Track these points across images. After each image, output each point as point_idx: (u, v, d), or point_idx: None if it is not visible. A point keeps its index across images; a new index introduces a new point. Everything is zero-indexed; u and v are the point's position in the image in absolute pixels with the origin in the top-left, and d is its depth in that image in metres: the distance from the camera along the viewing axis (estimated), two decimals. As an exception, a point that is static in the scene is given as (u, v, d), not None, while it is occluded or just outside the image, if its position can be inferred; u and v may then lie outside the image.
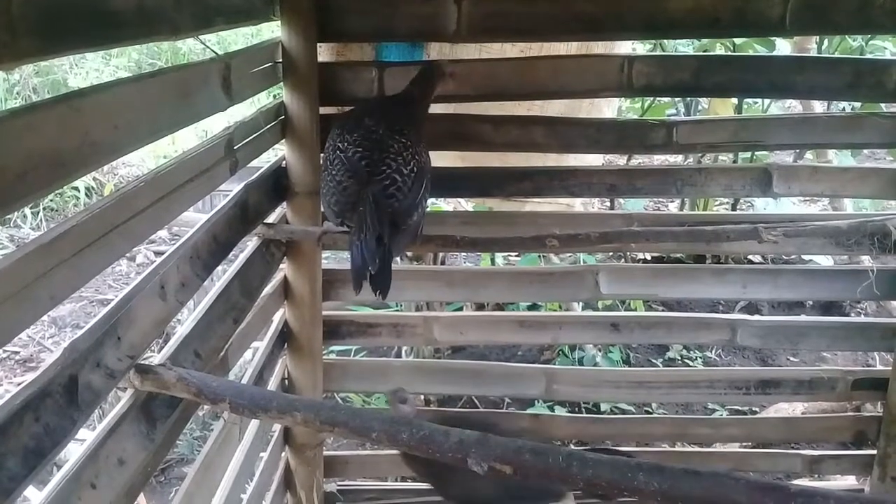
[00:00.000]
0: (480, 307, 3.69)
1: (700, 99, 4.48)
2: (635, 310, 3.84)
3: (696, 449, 2.79)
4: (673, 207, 5.38)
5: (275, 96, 2.19)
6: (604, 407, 3.55)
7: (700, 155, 3.83)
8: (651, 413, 3.53)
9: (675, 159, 3.93)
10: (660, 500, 1.07)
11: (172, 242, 1.47)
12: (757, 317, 2.45)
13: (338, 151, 1.75)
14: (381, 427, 1.20)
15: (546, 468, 1.12)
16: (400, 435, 1.18)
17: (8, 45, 0.85)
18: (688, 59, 2.29)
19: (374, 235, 1.53)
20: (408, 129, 1.79)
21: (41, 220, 5.69)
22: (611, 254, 4.24)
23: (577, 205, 2.93)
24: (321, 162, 1.92)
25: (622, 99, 3.87)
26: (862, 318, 4.09)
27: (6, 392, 1.00)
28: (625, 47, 2.60)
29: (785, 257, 4.00)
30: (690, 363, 3.98)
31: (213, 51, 1.59)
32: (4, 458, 0.93)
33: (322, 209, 1.98)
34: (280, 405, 1.26)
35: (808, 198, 4.84)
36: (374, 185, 1.63)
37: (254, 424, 2.01)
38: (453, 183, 2.27)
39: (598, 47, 2.35)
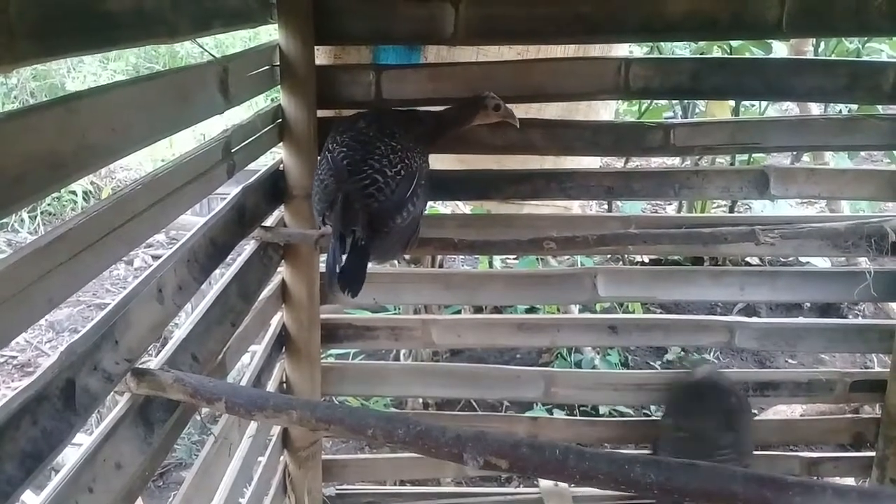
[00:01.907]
0: (478, 310, 3.68)
1: (697, 101, 4.48)
2: (633, 312, 3.83)
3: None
4: (671, 210, 5.38)
5: (272, 99, 2.19)
6: (602, 410, 3.54)
7: (697, 157, 3.83)
8: (650, 416, 3.52)
9: (673, 162, 3.95)
10: (657, 493, 1.07)
11: (170, 246, 1.47)
12: (755, 319, 2.46)
13: (326, 152, 1.77)
14: (377, 424, 1.19)
15: (543, 462, 1.12)
16: (396, 431, 1.18)
17: (6, 48, 0.85)
18: (685, 61, 2.29)
19: (338, 234, 1.55)
20: (400, 133, 1.79)
21: (39, 224, 5.68)
22: (608, 256, 4.24)
23: (575, 207, 2.93)
24: None
25: (619, 102, 3.88)
26: (860, 320, 4.09)
27: (4, 397, 0.99)
28: (622, 50, 2.60)
29: (782, 259, 4.01)
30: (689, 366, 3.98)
31: (210, 54, 1.59)
32: (2, 461, 0.93)
33: None
34: (276, 404, 1.26)
35: (805, 200, 4.84)
36: (351, 184, 1.64)
37: (252, 428, 2.00)
38: (451, 186, 2.27)
39: (596, 50, 2.35)
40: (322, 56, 2.19)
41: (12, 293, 0.93)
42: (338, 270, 1.53)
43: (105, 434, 1.21)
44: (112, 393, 1.24)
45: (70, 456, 1.19)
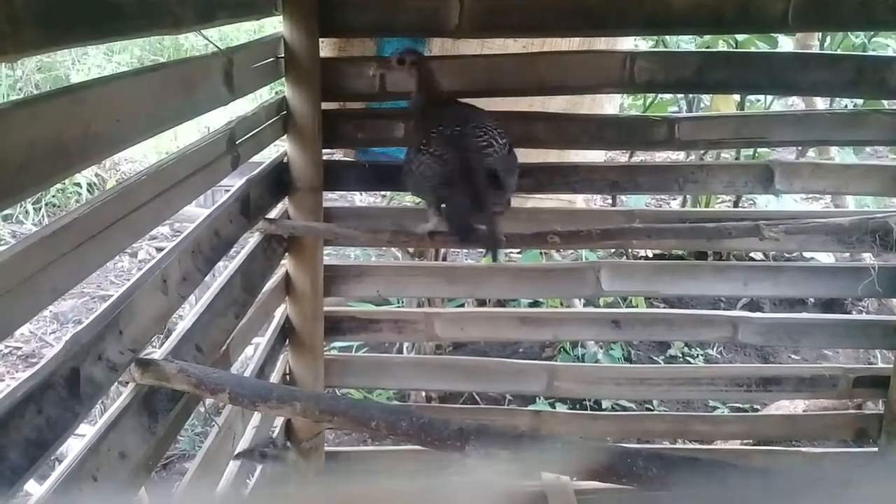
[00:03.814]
0: (482, 303, 3.69)
1: (702, 95, 4.47)
2: (637, 307, 3.83)
3: (697, 446, 2.79)
4: (675, 204, 5.37)
5: (277, 91, 2.19)
6: (605, 404, 3.54)
7: (702, 152, 3.83)
8: (652, 410, 3.53)
9: (677, 156, 3.94)
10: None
11: (174, 239, 1.47)
12: (758, 314, 2.45)
13: (421, 147, 1.85)
14: (380, 415, 1.20)
15: (544, 455, 1.12)
16: (399, 424, 1.18)
17: (11, 37, 0.85)
18: (690, 55, 2.28)
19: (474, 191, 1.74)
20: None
21: (43, 215, 5.69)
22: (612, 250, 4.24)
23: (579, 201, 2.93)
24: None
25: (624, 95, 3.87)
26: (863, 316, 4.08)
27: (8, 387, 1.00)
28: (627, 43, 2.59)
29: (786, 254, 4.01)
30: (692, 360, 3.98)
31: (215, 45, 1.59)
32: (6, 449, 0.94)
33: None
34: (280, 395, 1.26)
35: (810, 195, 4.83)
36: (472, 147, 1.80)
37: (255, 419, 2.01)
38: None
39: (601, 43, 2.35)
40: (326, 48, 2.19)
41: (17, 283, 0.93)
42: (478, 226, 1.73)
43: (109, 423, 1.21)
44: (116, 383, 1.24)
45: (73, 447, 1.20)
